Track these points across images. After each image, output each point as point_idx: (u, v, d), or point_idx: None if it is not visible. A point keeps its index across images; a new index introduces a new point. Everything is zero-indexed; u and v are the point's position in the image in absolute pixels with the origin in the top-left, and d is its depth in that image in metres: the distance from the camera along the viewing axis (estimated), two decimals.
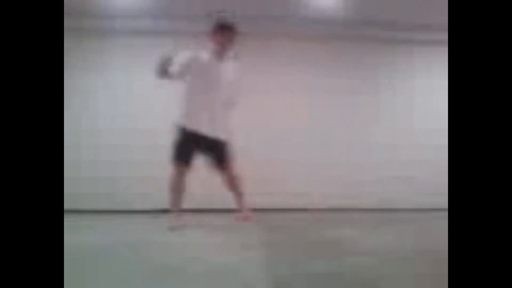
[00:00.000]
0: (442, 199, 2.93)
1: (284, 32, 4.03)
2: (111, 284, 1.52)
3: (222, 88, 2.94)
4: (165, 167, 2.91)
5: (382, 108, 4.19)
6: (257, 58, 4.05)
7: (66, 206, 2.26)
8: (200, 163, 3.05)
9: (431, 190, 3.88)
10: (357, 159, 4.06)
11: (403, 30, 4.05)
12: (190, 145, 2.88)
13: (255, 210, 3.12)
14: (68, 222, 2.03)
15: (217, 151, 2.95)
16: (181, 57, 2.83)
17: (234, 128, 3.81)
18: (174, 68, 2.81)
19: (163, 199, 2.97)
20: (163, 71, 2.81)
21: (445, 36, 3.24)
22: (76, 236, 2.45)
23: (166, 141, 2.93)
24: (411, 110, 4.20)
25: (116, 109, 3.84)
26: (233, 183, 3.04)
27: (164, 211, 3.06)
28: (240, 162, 3.81)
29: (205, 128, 2.87)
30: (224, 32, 2.86)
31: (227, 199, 3.17)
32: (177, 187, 2.89)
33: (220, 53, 2.90)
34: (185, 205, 3.05)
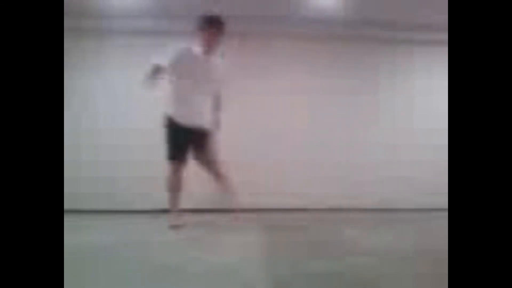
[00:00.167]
0: (442, 199, 2.94)
1: (284, 32, 4.03)
2: (111, 284, 1.52)
3: (209, 82, 2.98)
4: (165, 167, 2.92)
5: (382, 108, 4.19)
6: (257, 58, 4.06)
7: (66, 206, 2.26)
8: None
9: (431, 190, 3.88)
10: (357, 159, 4.06)
11: (403, 30, 4.05)
12: (182, 140, 2.90)
13: (255, 210, 3.13)
14: (68, 222, 2.03)
15: (202, 142, 2.98)
16: (171, 51, 2.88)
17: (234, 129, 3.82)
18: (165, 60, 2.86)
19: (163, 199, 2.98)
20: (153, 80, 2.85)
21: (445, 36, 3.26)
22: (76, 236, 2.45)
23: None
24: (411, 110, 4.20)
25: (116, 109, 3.84)
26: (220, 181, 3.05)
27: (164, 211, 3.06)
28: (240, 162, 3.82)
29: (192, 120, 2.90)
30: (210, 29, 2.88)
31: (227, 199, 3.17)
32: (175, 186, 2.90)
33: (207, 49, 2.92)
34: (185, 204, 3.05)
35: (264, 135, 3.97)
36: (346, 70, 4.17)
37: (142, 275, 1.63)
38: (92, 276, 1.62)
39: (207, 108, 3.02)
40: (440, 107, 3.97)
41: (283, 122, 4.02)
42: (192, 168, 3.04)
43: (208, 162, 3.02)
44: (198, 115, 2.94)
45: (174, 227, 2.84)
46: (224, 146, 3.88)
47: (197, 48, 2.92)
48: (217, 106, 3.12)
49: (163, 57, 2.86)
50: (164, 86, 2.95)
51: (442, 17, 2.97)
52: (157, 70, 2.84)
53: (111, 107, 3.86)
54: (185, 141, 2.92)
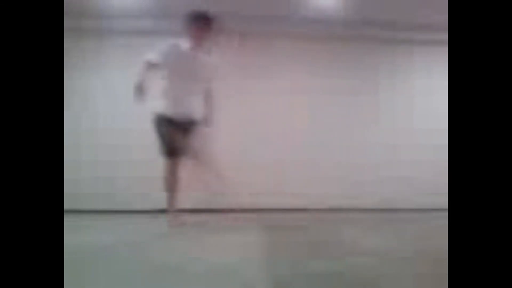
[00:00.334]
0: (442, 199, 2.94)
1: (284, 32, 4.03)
2: (111, 284, 1.52)
3: (198, 78, 2.99)
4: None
5: (382, 108, 4.19)
6: (257, 58, 4.06)
7: (66, 206, 2.26)
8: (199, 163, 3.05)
9: (431, 190, 3.89)
10: (357, 159, 4.06)
11: (403, 30, 4.05)
12: (175, 136, 2.89)
13: (255, 210, 3.13)
14: (68, 222, 2.03)
15: (191, 134, 2.98)
16: (162, 47, 2.89)
17: (234, 129, 3.82)
18: (156, 56, 2.87)
19: (162, 199, 2.98)
20: (140, 95, 2.85)
21: (445, 36, 3.27)
22: (76, 236, 2.45)
23: None
24: (411, 110, 4.20)
25: (115, 109, 3.85)
26: (212, 177, 3.05)
27: (164, 211, 3.06)
28: (240, 162, 3.82)
29: (183, 115, 2.91)
30: (197, 25, 2.90)
31: (227, 199, 3.18)
32: (172, 186, 2.90)
33: (195, 45, 2.93)
34: (185, 205, 3.05)
35: (264, 135, 3.97)
36: (346, 70, 4.17)
37: (142, 275, 1.63)
38: (92, 276, 1.62)
39: (197, 104, 3.02)
40: (440, 107, 3.97)
41: (283, 122, 4.02)
42: (191, 168, 3.04)
43: (197, 155, 3.00)
44: (188, 110, 2.94)
45: (174, 227, 2.84)
46: (224, 146, 3.89)
47: (185, 45, 2.93)
48: (208, 101, 3.12)
49: (152, 54, 2.88)
50: (155, 84, 2.94)
51: (442, 17, 2.97)
52: (141, 88, 2.84)
53: (111, 107, 3.86)
54: (178, 136, 2.91)
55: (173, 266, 1.75)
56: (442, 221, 3.07)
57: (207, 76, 3.07)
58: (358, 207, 3.88)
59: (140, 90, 2.83)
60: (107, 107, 3.86)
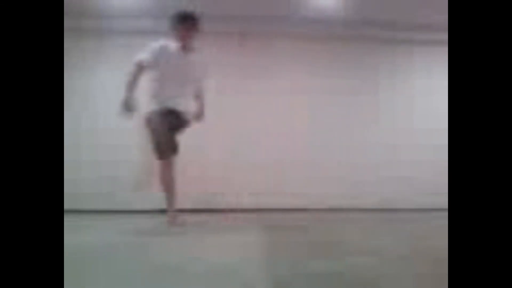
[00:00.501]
0: (442, 199, 2.94)
1: (284, 32, 4.03)
2: (111, 284, 1.52)
3: (188, 78, 3.00)
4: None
5: (382, 108, 4.19)
6: (257, 58, 4.06)
7: (66, 206, 2.26)
8: (199, 164, 3.05)
9: (431, 190, 3.89)
10: (357, 159, 4.06)
11: (403, 30, 4.05)
12: (167, 135, 2.87)
13: (255, 210, 3.13)
14: (68, 222, 2.03)
15: (180, 132, 2.98)
16: (152, 47, 2.90)
17: (234, 129, 3.82)
18: (146, 57, 2.88)
19: (162, 199, 2.97)
20: (128, 112, 2.88)
21: (445, 36, 3.26)
22: (76, 236, 2.45)
23: None
24: (411, 110, 4.20)
25: (115, 109, 3.84)
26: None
27: (164, 211, 3.06)
28: (240, 162, 3.82)
29: (173, 111, 2.90)
30: (184, 24, 2.91)
31: (227, 199, 3.18)
32: (169, 185, 2.89)
33: (182, 45, 2.94)
34: (185, 205, 3.05)
35: (264, 135, 3.97)
36: (346, 70, 4.17)
37: (142, 275, 1.63)
38: (92, 276, 1.62)
39: (187, 102, 3.02)
40: (440, 107, 3.97)
41: (283, 122, 4.02)
42: (190, 168, 3.04)
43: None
44: (179, 109, 2.93)
45: (173, 226, 2.83)
46: (224, 146, 3.89)
47: (173, 44, 2.94)
48: (198, 98, 3.11)
49: (143, 55, 2.89)
50: (145, 85, 2.94)
51: (442, 17, 2.97)
52: (129, 105, 2.86)
53: (111, 107, 3.85)
54: (171, 136, 2.90)
55: (173, 266, 1.75)
56: (442, 221, 3.07)
57: (197, 76, 3.08)
58: (358, 207, 3.88)
59: (128, 106, 2.85)
60: (107, 107, 3.86)
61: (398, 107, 4.20)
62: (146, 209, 3.63)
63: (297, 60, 4.12)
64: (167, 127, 2.86)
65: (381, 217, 3.48)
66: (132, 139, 3.74)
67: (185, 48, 2.95)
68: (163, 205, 3.01)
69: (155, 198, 3.39)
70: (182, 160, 2.98)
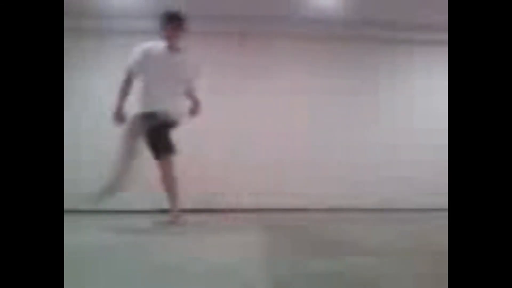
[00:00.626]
0: (442, 199, 2.94)
1: (284, 32, 4.03)
2: (111, 284, 1.52)
3: (177, 77, 3.00)
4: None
5: (382, 108, 4.19)
6: (257, 58, 4.06)
7: (66, 206, 2.26)
8: (199, 164, 3.05)
9: (431, 190, 3.88)
10: (357, 159, 4.06)
11: (403, 30, 4.05)
12: (163, 134, 2.88)
13: (255, 210, 3.13)
14: (68, 222, 2.03)
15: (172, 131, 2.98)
16: (135, 54, 2.92)
17: (234, 129, 3.82)
18: (130, 63, 2.91)
19: (162, 199, 2.97)
20: (119, 120, 2.92)
21: (445, 36, 3.25)
22: (76, 236, 2.45)
23: None
24: (411, 110, 4.20)
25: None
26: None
27: (164, 211, 3.06)
28: (240, 162, 3.82)
29: (165, 114, 2.90)
30: (170, 24, 2.91)
31: (227, 199, 3.17)
32: (171, 185, 2.89)
33: (170, 45, 2.95)
34: (185, 205, 3.05)
35: (264, 135, 3.97)
36: (346, 70, 4.17)
37: (142, 275, 1.63)
38: (92, 276, 1.62)
39: (177, 103, 3.01)
40: (440, 107, 3.97)
41: (283, 122, 4.02)
42: (190, 168, 3.04)
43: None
44: (170, 110, 2.93)
45: (174, 226, 2.83)
46: (224, 146, 3.89)
47: (161, 45, 2.94)
48: (191, 96, 3.11)
49: (130, 62, 2.91)
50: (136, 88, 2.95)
51: (442, 17, 2.97)
52: (120, 114, 2.89)
53: (111, 107, 3.85)
54: (165, 134, 2.90)
55: (173, 266, 1.75)
56: (442, 221, 3.07)
57: (187, 76, 3.07)
58: (358, 207, 3.88)
59: (118, 116, 2.89)
60: (107, 107, 3.85)
61: (398, 107, 4.20)
62: (146, 209, 3.63)
63: (297, 60, 4.12)
64: (150, 128, 2.85)
65: (381, 217, 3.48)
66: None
67: (172, 48, 2.95)
68: (163, 205, 3.01)
69: (155, 198, 3.40)
70: (182, 160, 2.98)
